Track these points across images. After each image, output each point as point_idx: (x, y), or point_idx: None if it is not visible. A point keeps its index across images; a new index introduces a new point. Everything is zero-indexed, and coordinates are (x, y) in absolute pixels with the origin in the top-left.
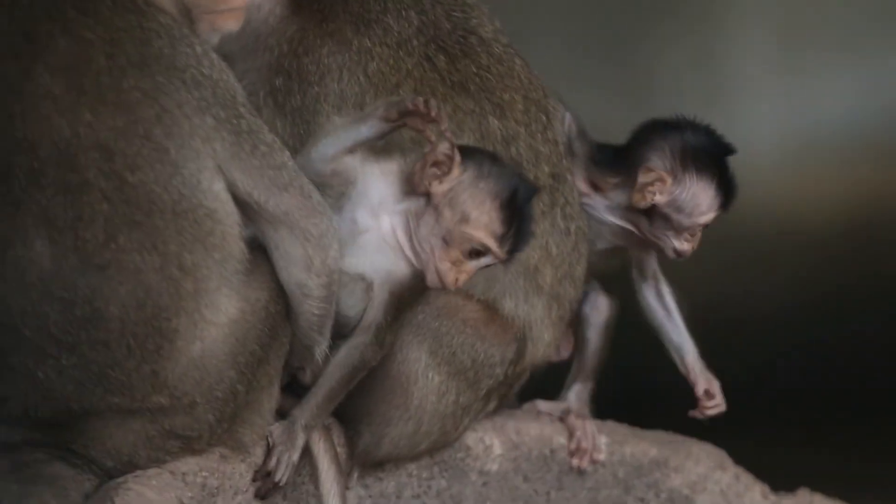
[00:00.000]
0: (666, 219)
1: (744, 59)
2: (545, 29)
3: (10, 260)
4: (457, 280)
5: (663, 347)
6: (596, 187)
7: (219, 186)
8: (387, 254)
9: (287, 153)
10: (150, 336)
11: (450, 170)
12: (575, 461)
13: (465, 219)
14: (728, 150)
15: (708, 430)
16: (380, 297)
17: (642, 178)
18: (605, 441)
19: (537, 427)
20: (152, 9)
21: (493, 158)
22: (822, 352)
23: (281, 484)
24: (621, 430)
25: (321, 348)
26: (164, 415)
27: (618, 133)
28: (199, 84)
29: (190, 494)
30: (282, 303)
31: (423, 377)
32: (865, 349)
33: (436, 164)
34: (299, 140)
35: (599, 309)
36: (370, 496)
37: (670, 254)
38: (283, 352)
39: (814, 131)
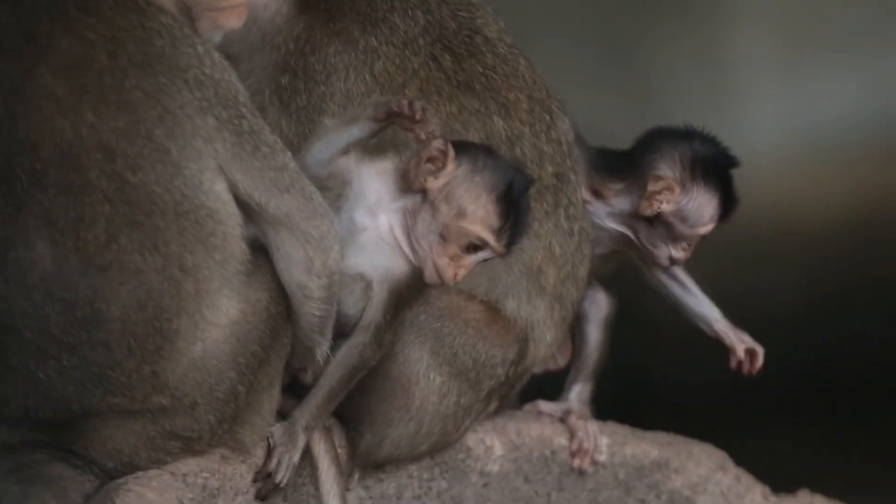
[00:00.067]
0: (667, 227)
1: (745, 60)
2: (547, 29)
3: (12, 261)
4: (455, 275)
5: (664, 347)
6: (597, 193)
7: (220, 187)
8: (385, 252)
9: (289, 154)
10: (151, 337)
11: (444, 165)
12: (576, 462)
13: (461, 213)
14: (734, 162)
15: (709, 431)
16: (379, 295)
17: (652, 187)
18: (605, 442)
19: (538, 428)
20: (153, 8)
21: (488, 152)
22: (823, 353)
23: (281, 485)
24: (622, 431)
25: (322, 349)
26: (165, 416)
27: (619, 133)
28: (201, 84)
29: (191, 495)
30: (283, 304)
31: (424, 378)
32: (866, 350)
33: (430, 159)
34: (304, 139)
35: (599, 305)
36: (371, 497)
37: (664, 262)
38: (284, 353)
39: (815, 132)
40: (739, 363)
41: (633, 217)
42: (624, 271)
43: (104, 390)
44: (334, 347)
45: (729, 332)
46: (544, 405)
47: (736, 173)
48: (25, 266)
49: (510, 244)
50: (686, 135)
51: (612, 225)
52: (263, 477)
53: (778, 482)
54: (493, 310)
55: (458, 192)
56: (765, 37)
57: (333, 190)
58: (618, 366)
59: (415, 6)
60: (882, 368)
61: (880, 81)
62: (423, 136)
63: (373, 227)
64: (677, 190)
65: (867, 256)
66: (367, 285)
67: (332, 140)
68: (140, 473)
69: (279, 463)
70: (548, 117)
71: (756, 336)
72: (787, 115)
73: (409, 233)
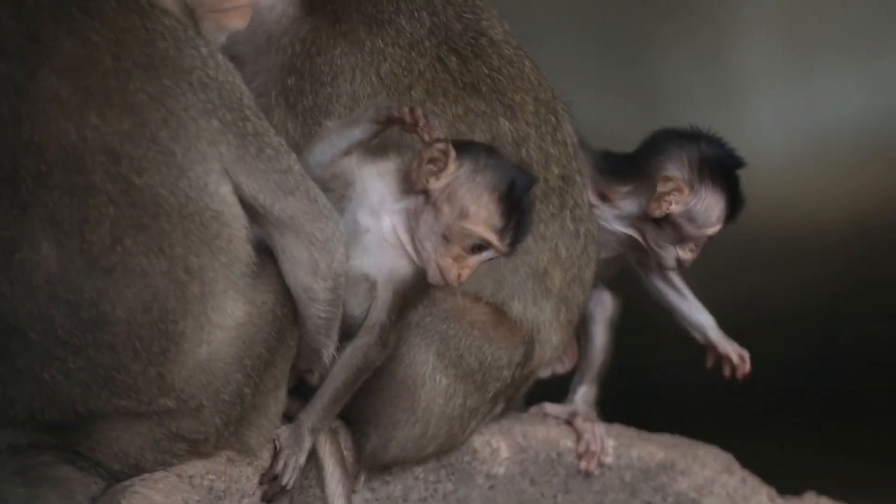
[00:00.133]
0: (676, 228)
1: (750, 61)
2: (551, 32)
3: (17, 263)
4: (459, 275)
5: (669, 349)
6: (603, 197)
7: (225, 189)
8: (389, 253)
9: (294, 156)
10: (157, 339)
11: (445, 165)
12: (583, 464)
13: (463, 214)
14: (740, 163)
15: (715, 433)
16: (383, 296)
17: (661, 188)
18: (611, 444)
19: (544, 430)
20: (156, 10)
21: (490, 151)
22: (830, 354)
23: (288, 487)
24: (628, 433)
25: (329, 351)
26: (171, 418)
27: (623, 135)
28: (205, 86)
29: (197, 498)
30: (289, 306)
31: (430, 380)
32: (873, 351)
33: (431, 160)
34: (310, 140)
35: (604, 304)
36: (377, 499)
37: (671, 263)
38: (289, 355)
39: (821, 133)
40: (733, 369)
41: (641, 219)
42: (627, 273)
43: (110, 392)
44: (341, 349)
45: (722, 341)
46: (550, 407)
47: (741, 174)
48: (30, 268)
49: (514, 244)
50: (692, 136)
51: (620, 228)
52: (269, 479)
53: (784, 484)
54: (499, 312)
55: (459, 192)
56: (769, 38)
57: (336, 191)
58: (623, 367)
59: (420, 8)
60: (889, 370)
61: (885, 83)
62: (426, 138)
63: (376, 228)
64: (686, 191)
65: (872, 258)
66: (372, 286)
67: (334, 141)
68: (146, 475)
69: (285, 465)
70: (553, 119)
71: (761, 337)
72: (791, 116)
73: (412, 234)
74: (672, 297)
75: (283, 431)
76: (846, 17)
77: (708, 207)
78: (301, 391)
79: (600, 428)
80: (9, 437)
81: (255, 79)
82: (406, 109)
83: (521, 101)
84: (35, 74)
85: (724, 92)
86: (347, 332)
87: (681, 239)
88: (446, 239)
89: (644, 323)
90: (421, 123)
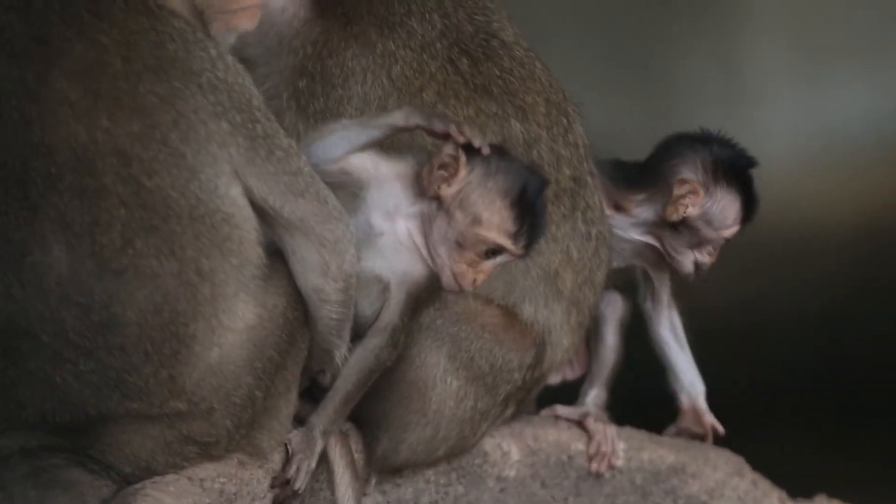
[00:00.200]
0: (693, 232)
1: (762, 65)
2: (564, 34)
3: (28, 265)
4: (474, 281)
5: None
6: (618, 207)
7: (236, 191)
8: (403, 256)
9: (304, 158)
10: (168, 341)
11: (456, 171)
12: (594, 465)
13: (477, 221)
14: (752, 163)
15: (725, 437)
16: (396, 297)
17: (677, 191)
18: (622, 447)
19: (555, 433)
20: (165, 12)
21: (501, 154)
22: (840, 356)
23: (300, 492)
24: (639, 436)
25: (341, 352)
26: (182, 420)
27: (634, 137)
28: (215, 88)
29: (208, 501)
30: (300, 308)
31: (441, 382)
32: (882, 353)
33: (442, 166)
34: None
35: (615, 305)
36: (388, 502)
37: (689, 267)
38: (300, 357)
39: (831, 136)
40: (702, 438)
41: (658, 225)
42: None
43: (121, 395)
44: (352, 350)
45: (707, 412)
46: (562, 409)
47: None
48: (41, 270)
49: (528, 247)
50: (704, 139)
51: (636, 236)
52: (281, 483)
53: (795, 487)
54: (510, 314)
55: (472, 198)
56: (778, 41)
57: (347, 189)
58: (633, 370)
59: (432, 10)
60: None
61: (893, 86)
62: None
63: (391, 232)
64: (702, 193)
65: (880, 259)
66: (385, 287)
67: (350, 137)
68: (157, 478)
69: (298, 470)
70: (565, 120)
71: (771, 339)
72: (799, 119)
73: (426, 238)
74: (673, 351)
75: (296, 436)
76: (855, 20)
77: (724, 208)
78: (312, 393)
79: (611, 429)
80: (20, 440)
81: (266, 81)
82: (454, 127)
83: (533, 102)
84: (45, 77)
85: (733, 94)
86: (358, 333)
87: (698, 243)
88: (460, 245)
89: None
90: (475, 143)
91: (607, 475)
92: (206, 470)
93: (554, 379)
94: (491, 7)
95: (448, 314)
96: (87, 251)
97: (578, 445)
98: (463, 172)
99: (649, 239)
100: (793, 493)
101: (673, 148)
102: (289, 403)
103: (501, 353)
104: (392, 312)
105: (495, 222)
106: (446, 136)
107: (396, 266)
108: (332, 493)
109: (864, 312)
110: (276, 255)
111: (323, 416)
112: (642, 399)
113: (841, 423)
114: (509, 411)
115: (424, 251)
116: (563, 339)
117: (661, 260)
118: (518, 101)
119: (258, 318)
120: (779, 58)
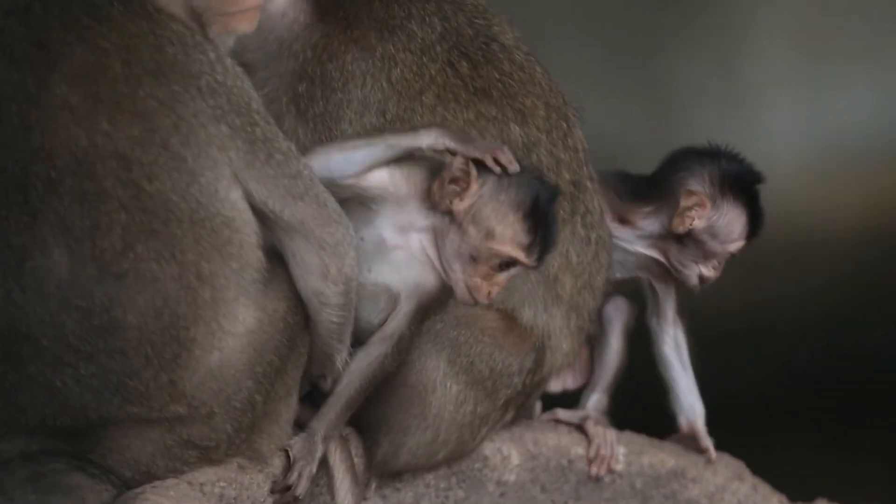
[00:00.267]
0: (698, 245)
1: (764, 68)
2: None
3: (29, 269)
4: (489, 293)
5: None
6: (623, 220)
7: (236, 195)
8: (416, 268)
9: (303, 161)
10: (168, 345)
11: (468, 185)
12: (593, 469)
13: (490, 235)
14: (759, 178)
15: (726, 441)
16: (406, 307)
17: (684, 202)
18: (622, 451)
19: (555, 437)
20: (164, 15)
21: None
22: (843, 361)
23: (300, 497)
24: (639, 440)
25: (342, 356)
26: (182, 424)
27: (636, 141)
28: (214, 92)
29: None
30: (300, 313)
31: (441, 386)
32: (885, 358)
33: (453, 181)
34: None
35: (621, 308)
36: None
37: (694, 280)
38: (301, 362)
39: (835, 140)
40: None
41: (663, 238)
42: (639, 283)
43: (122, 399)
44: (353, 355)
45: (704, 436)
46: (562, 412)
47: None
48: (42, 274)
49: (541, 257)
50: (712, 153)
51: (641, 249)
52: (282, 489)
53: (795, 491)
54: (510, 318)
55: (484, 212)
56: (785, 45)
57: (358, 200)
58: (634, 375)
59: (432, 13)
60: None
61: None
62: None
63: (405, 246)
64: (709, 205)
65: (885, 264)
66: (394, 297)
67: (374, 155)
68: (157, 483)
69: (299, 476)
70: (564, 124)
71: (774, 343)
72: (803, 123)
73: (439, 252)
74: (675, 372)
75: (297, 442)
76: (858, 24)
77: (730, 222)
78: (313, 398)
79: (611, 433)
80: (21, 444)
81: (266, 85)
82: (489, 157)
83: (532, 105)
84: (45, 81)
85: (734, 98)
86: (360, 339)
87: (703, 256)
88: (474, 259)
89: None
90: (509, 168)
91: (607, 479)
92: (206, 474)
93: (555, 388)
94: (491, 10)
95: (448, 319)
96: (88, 255)
97: (578, 450)
98: (475, 186)
99: (654, 253)
100: (793, 498)
101: (681, 161)
102: (289, 408)
103: (501, 357)
104: (400, 321)
105: (509, 236)
106: (479, 162)
107: (408, 278)
108: (332, 498)
109: (868, 317)
110: (277, 259)
111: (324, 422)
112: (643, 403)
113: (841, 427)
114: (509, 415)
115: (438, 264)
116: (562, 344)
117: (667, 273)
118: (518, 104)
119: (258, 322)
120: (780, 60)
